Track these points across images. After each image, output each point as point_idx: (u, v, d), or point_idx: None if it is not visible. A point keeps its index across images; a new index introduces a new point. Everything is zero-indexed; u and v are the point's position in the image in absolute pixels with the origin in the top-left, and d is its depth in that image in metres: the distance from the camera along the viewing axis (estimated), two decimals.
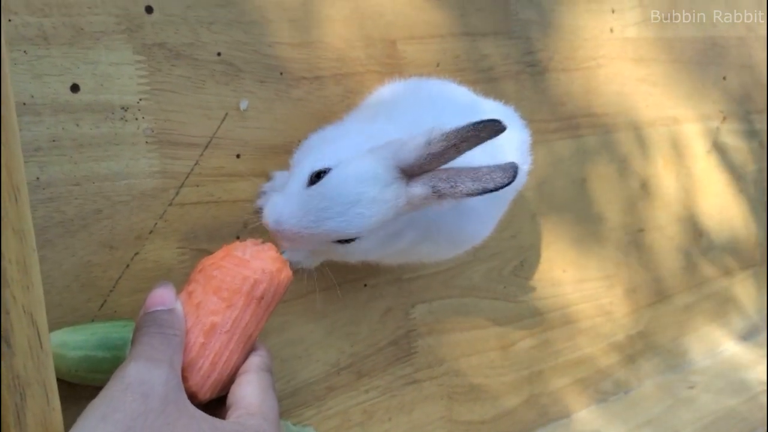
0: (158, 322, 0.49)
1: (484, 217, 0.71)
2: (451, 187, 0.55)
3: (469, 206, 0.64)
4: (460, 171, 0.55)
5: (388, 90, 0.73)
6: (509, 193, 0.73)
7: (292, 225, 0.55)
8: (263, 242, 0.56)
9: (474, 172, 0.55)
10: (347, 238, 0.57)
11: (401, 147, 0.56)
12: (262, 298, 0.53)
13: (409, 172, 0.56)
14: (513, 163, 0.55)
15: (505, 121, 0.65)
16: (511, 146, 0.70)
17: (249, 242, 0.56)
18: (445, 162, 0.56)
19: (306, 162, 0.58)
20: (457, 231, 0.69)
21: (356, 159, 0.56)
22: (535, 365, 0.94)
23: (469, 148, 0.54)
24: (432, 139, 0.54)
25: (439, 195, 0.56)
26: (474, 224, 0.70)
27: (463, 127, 0.53)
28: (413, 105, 0.67)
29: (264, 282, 0.53)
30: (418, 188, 0.56)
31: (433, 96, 0.71)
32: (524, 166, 0.73)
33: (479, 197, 0.56)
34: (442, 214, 0.60)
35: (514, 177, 0.55)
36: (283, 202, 0.56)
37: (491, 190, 0.55)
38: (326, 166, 0.56)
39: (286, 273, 0.55)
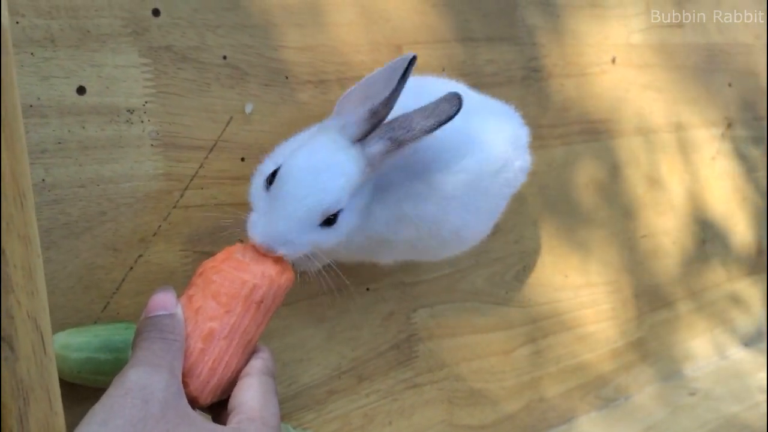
0: (159, 327, 0.49)
1: (475, 210, 0.70)
2: (408, 131, 0.56)
3: (458, 200, 0.65)
4: (408, 114, 0.57)
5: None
6: (504, 188, 0.72)
7: (272, 230, 0.54)
8: None
9: (423, 110, 0.57)
10: (329, 213, 0.56)
11: (345, 124, 0.57)
12: (261, 302, 0.53)
13: (359, 138, 0.57)
14: (454, 92, 0.57)
15: (503, 117, 0.67)
16: (503, 139, 0.69)
17: (250, 244, 0.56)
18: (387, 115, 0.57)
19: (259, 170, 0.59)
20: (453, 227, 0.68)
21: (301, 146, 0.57)
22: (535, 370, 0.94)
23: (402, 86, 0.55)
24: (375, 109, 0.56)
25: (398, 143, 0.57)
26: (463, 217, 0.69)
27: (398, 84, 0.55)
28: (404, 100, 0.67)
29: (263, 286, 0.53)
30: (376, 145, 0.57)
31: (429, 92, 0.71)
32: (517, 163, 0.72)
33: (466, 191, 0.60)
34: (433, 209, 0.62)
35: (459, 104, 0.57)
36: (256, 215, 0.56)
37: (444, 122, 0.56)
38: (278, 163, 0.56)
39: (287, 276, 0.55)
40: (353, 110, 0.57)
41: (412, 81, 0.75)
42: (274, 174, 0.56)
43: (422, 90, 0.72)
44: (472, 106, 0.71)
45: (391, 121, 0.57)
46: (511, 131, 0.72)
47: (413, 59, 0.55)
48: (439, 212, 0.65)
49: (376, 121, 0.56)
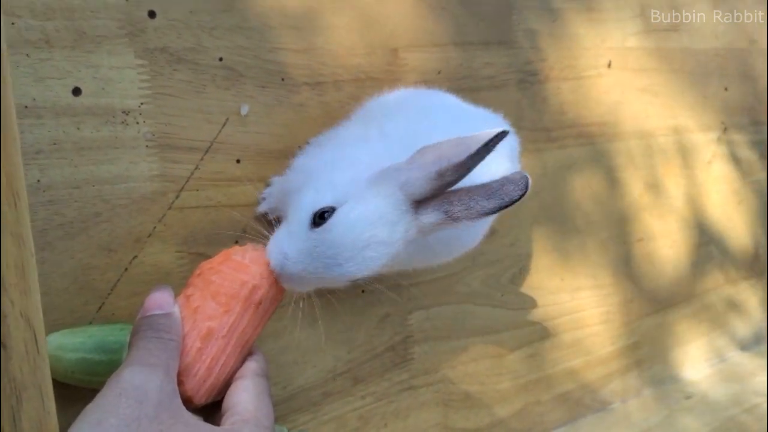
0: (155, 327, 0.49)
1: (480, 223, 0.71)
2: (466, 209, 0.54)
3: None
4: (470, 190, 0.54)
5: (378, 102, 0.72)
6: None
7: (300, 270, 0.53)
8: (263, 247, 0.56)
9: (485, 189, 0.54)
10: (355, 279, 0.55)
11: (408, 180, 0.54)
12: (260, 303, 0.53)
13: (418, 201, 0.55)
14: (522, 173, 0.55)
15: (491, 125, 0.66)
16: (503, 155, 0.70)
17: (248, 246, 0.56)
18: (456, 185, 0.54)
19: (305, 198, 0.56)
20: (451, 237, 0.68)
21: (361, 199, 0.54)
22: (531, 373, 0.94)
23: (480, 161, 0.53)
24: (443, 171, 0.53)
25: (453, 219, 0.54)
26: (469, 230, 0.70)
27: (475, 153, 0.52)
28: (405, 119, 0.66)
29: (263, 287, 0.53)
30: (430, 216, 0.55)
31: (424, 107, 0.71)
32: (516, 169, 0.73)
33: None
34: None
35: (526, 188, 0.54)
36: (288, 244, 0.54)
37: (507, 206, 0.54)
38: (329, 204, 0.54)
39: None
40: (425, 179, 0.53)
41: (403, 92, 0.75)
42: (323, 214, 0.53)
43: (411, 103, 0.73)
44: (468, 118, 0.71)
45: (450, 194, 0.54)
46: (509, 145, 0.72)
47: (503, 134, 0.52)
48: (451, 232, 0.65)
49: (441, 184, 0.53)
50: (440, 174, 0.53)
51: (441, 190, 0.54)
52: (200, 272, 0.54)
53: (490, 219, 0.74)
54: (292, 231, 0.54)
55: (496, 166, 0.67)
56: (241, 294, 0.53)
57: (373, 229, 0.53)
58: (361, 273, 0.54)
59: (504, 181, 0.54)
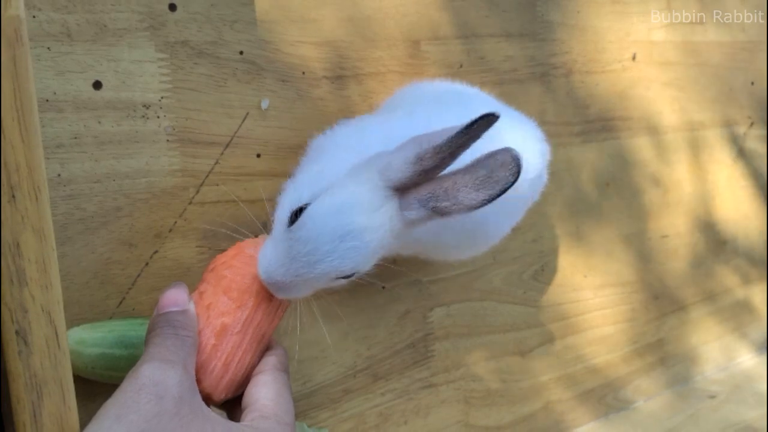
0: (172, 324, 0.49)
1: (510, 214, 0.70)
2: (453, 203, 0.49)
3: (500, 205, 0.55)
4: (454, 179, 0.49)
5: (405, 91, 0.71)
6: (533, 193, 0.72)
7: (282, 275, 0.50)
8: None
9: (472, 177, 0.48)
10: (344, 275, 0.51)
11: (387, 166, 0.50)
12: (273, 296, 0.53)
13: (401, 189, 0.51)
14: (508, 149, 0.48)
15: (525, 131, 0.62)
16: (538, 150, 0.69)
17: (261, 238, 0.55)
18: (440, 172, 0.49)
19: (285, 198, 0.53)
20: (477, 230, 0.67)
21: (335, 188, 0.50)
22: (553, 371, 0.93)
23: (465, 149, 0.48)
24: (423, 154, 0.48)
25: (440, 214, 0.50)
26: (500, 221, 0.69)
27: (455, 135, 0.47)
28: (436, 104, 0.65)
29: None
30: (416, 210, 0.50)
31: (456, 93, 0.70)
32: (543, 179, 0.72)
33: (508, 197, 0.49)
34: (479, 216, 0.53)
35: (518, 169, 0.48)
36: (271, 250, 0.51)
37: (499, 194, 0.48)
38: (304, 201, 0.50)
39: None
40: (404, 164, 0.49)
41: (429, 84, 0.74)
42: (298, 212, 0.50)
43: (438, 92, 0.71)
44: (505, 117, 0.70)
45: (435, 185, 0.49)
46: (540, 144, 0.71)
47: (490, 116, 0.46)
48: (482, 218, 0.58)
49: (420, 169, 0.48)
50: (420, 157, 0.48)
51: (422, 176, 0.49)
52: (213, 267, 0.54)
53: (520, 210, 0.73)
54: (274, 236, 0.52)
55: (535, 161, 0.66)
56: (254, 288, 0.52)
57: (347, 216, 0.48)
58: (346, 267, 0.50)
59: (491, 166, 0.48)
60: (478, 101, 0.70)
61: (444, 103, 0.67)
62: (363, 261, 0.51)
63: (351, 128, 0.64)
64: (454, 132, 0.47)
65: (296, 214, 0.50)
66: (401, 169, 0.49)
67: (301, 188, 0.52)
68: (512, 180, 0.48)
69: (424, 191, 0.50)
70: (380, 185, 0.50)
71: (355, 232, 0.49)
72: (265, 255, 0.52)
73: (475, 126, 0.46)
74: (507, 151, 0.48)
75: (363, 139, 0.57)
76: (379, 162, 0.51)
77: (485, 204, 0.49)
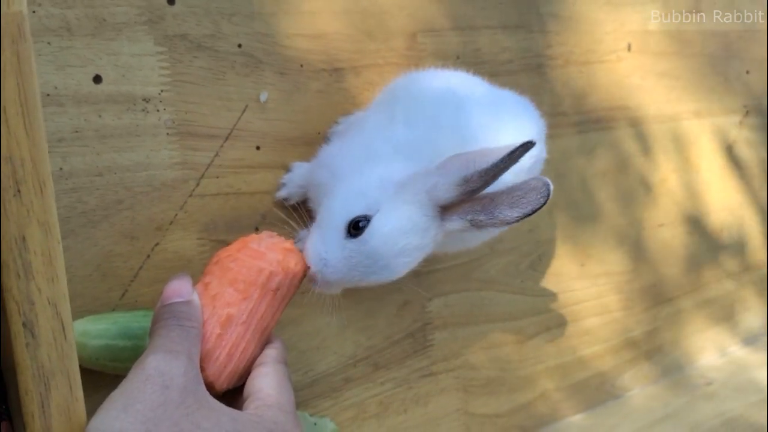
0: (176, 314, 0.49)
1: None
2: (490, 218, 0.55)
3: None
4: (494, 198, 0.55)
5: (402, 85, 0.71)
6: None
7: (338, 278, 0.56)
8: (279, 234, 0.57)
9: (509, 197, 0.55)
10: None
11: (435, 185, 0.55)
12: (277, 289, 0.54)
13: (444, 207, 0.56)
14: (543, 179, 0.55)
15: (526, 111, 0.64)
16: (536, 136, 0.69)
17: (264, 234, 0.56)
18: (482, 191, 0.55)
19: (336, 205, 0.58)
20: None
21: (393, 208, 0.56)
22: (550, 360, 0.94)
23: (506, 171, 0.54)
24: (469, 177, 0.54)
25: (478, 226, 0.56)
26: None
27: (499, 161, 0.53)
28: (431, 105, 0.65)
29: (279, 274, 0.54)
30: (456, 222, 0.56)
31: (449, 91, 0.70)
32: (543, 155, 0.72)
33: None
34: None
35: (548, 195, 0.55)
36: (326, 251, 0.56)
37: (530, 214, 0.55)
38: (362, 213, 0.56)
39: (302, 265, 0.56)
40: (451, 185, 0.55)
41: (426, 75, 0.74)
42: (357, 224, 0.56)
43: (436, 87, 0.72)
44: (497, 100, 0.71)
45: (475, 201, 0.56)
46: (537, 128, 0.72)
47: (529, 144, 0.53)
48: None
49: (466, 190, 0.54)
50: (466, 180, 0.54)
51: (466, 196, 0.55)
52: (218, 260, 0.55)
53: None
54: (327, 238, 0.56)
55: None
56: (259, 281, 0.53)
57: (406, 237, 0.55)
58: (396, 276, 0.57)
59: (526, 189, 0.55)
60: (467, 93, 0.70)
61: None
62: (408, 271, 0.58)
63: (378, 131, 0.65)
64: (497, 158, 0.53)
65: (355, 225, 0.55)
66: (448, 190, 0.55)
67: (354, 199, 0.57)
68: (543, 202, 0.55)
69: (465, 206, 0.56)
70: (429, 204, 0.56)
71: (410, 251, 0.56)
72: (319, 253, 0.56)
73: (517, 152, 0.53)
74: (540, 179, 0.55)
75: (393, 149, 0.62)
76: (425, 182, 0.56)
77: (517, 221, 0.55)
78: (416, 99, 0.66)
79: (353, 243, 0.55)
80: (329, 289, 0.58)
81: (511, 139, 0.66)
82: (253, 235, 0.56)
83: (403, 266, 0.56)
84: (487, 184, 0.54)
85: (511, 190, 0.55)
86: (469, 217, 0.56)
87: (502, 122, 0.66)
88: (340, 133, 0.72)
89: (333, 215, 0.57)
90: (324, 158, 0.66)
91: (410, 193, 0.56)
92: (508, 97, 0.73)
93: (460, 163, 0.55)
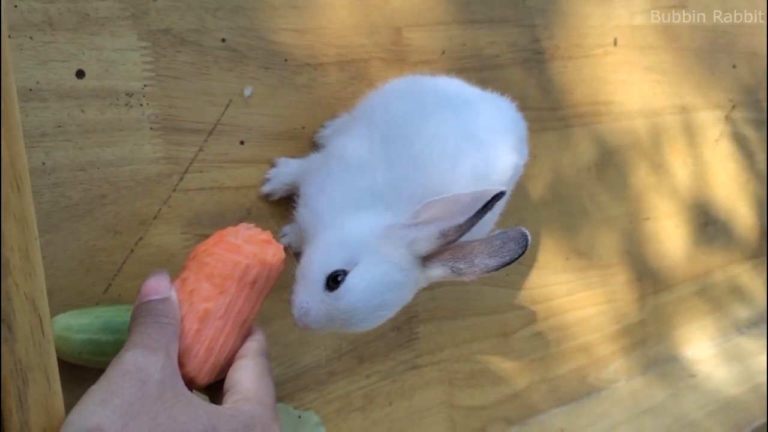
0: (153, 312, 0.50)
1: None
2: (470, 266, 0.57)
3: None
4: (474, 247, 0.57)
5: (380, 105, 0.68)
6: (513, 184, 0.73)
7: (318, 327, 0.58)
8: (256, 226, 0.57)
9: (488, 246, 0.57)
10: None
11: (414, 240, 0.57)
12: (254, 282, 0.54)
13: (425, 257, 0.58)
14: (521, 229, 0.57)
15: (503, 114, 0.65)
16: (510, 147, 0.69)
17: (241, 227, 0.56)
18: (459, 240, 0.57)
19: (317, 256, 0.59)
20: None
21: (370, 264, 0.57)
22: (536, 352, 0.95)
23: (479, 220, 0.56)
24: (446, 231, 0.56)
25: (458, 274, 0.58)
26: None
27: (474, 215, 0.55)
28: (410, 139, 0.64)
29: (256, 267, 0.54)
30: (437, 270, 0.58)
31: (425, 116, 0.67)
32: (521, 161, 0.72)
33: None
34: None
35: (527, 244, 0.57)
36: (307, 301, 0.57)
37: (509, 263, 0.57)
38: (340, 267, 0.57)
39: (279, 256, 0.56)
40: (427, 227, 0.57)
41: (406, 80, 0.73)
42: (336, 278, 0.57)
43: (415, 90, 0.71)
44: (473, 104, 0.69)
45: (455, 249, 0.57)
46: (516, 134, 0.71)
47: (500, 194, 0.55)
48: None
49: (444, 243, 0.56)
50: (443, 234, 0.56)
51: (445, 247, 0.57)
52: (194, 255, 0.55)
53: (499, 210, 0.73)
54: (309, 289, 0.58)
55: (503, 160, 0.67)
56: (235, 274, 0.53)
57: (383, 295, 0.57)
58: (375, 326, 0.59)
59: (505, 239, 0.57)
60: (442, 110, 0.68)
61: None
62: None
63: (360, 172, 0.64)
64: (473, 212, 0.55)
65: (334, 279, 0.57)
66: (427, 244, 0.57)
67: (334, 252, 0.58)
68: (521, 252, 0.57)
69: (446, 255, 0.58)
70: (408, 257, 0.57)
71: (387, 306, 0.58)
72: (301, 302, 0.58)
73: (490, 204, 0.55)
74: (518, 230, 0.57)
75: (375, 197, 0.62)
76: (404, 236, 0.58)
77: (496, 270, 0.57)
78: (394, 126, 0.65)
79: (331, 297, 0.57)
80: (314, 333, 0.60)
81: (501, 153, 0.67)
82: (230, 228, 0.56)
83: (382, 318, 0.58)
84: (463, 234, 0.56)
85: (490, 240, 0.57)
86: (450, 265, 0.58)
87: (484, 144, 0.66)
88: (327, 138, 0.73)
89: (313, 267, 0.58)
90: (308, 197, 0.65)
91: (390, 248, 0.58)
92: (489, 100, 0.72)
93: (436, 214, 0.57)
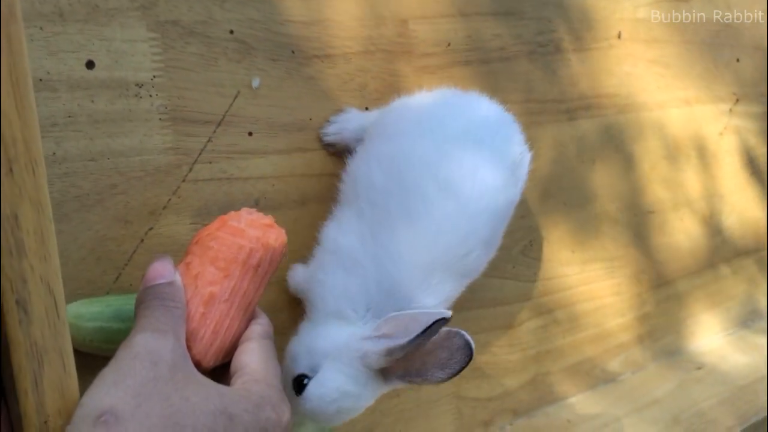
0: (159, 296, 0.50)
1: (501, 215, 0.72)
2: (424, 378, 0.60)
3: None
4: (425, 362, 0.60)
5: (364, 182, 0.68)
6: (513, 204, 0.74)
7: (301, 423, 0.64)
8: (257, 211, 0.57)
9: (436, 360, 0.59)
10: None
11: (366, 354, 0.59)
12: (258, 266, 0.54)
13: (380, 370, 0.61)
14: (464, 337, 0.59)
15: (501, 130, 0.69)
16: (507, 183, 0.69)
17: (243, 211, 0.57)
18: (407, 356, 0.59)
19: (288, 356, 0.63)
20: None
21: (328, 372, 0.60)
22: (542, 344, 0.95)
23: (424, 342, 0.57)
24: (392, 349, 0.58)
25: (413, 383, 0.61)
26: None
27: (415, 338, 0.56)
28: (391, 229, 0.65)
29: (259, 250, 0.54)
30: (395, 383, 0.61)
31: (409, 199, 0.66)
32: (518, 186, 0.73)
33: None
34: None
35: (471, 354, 0.59)
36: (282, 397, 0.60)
37: (458, 372, 0.59)
38: (302, 372, 0.61)
39: (281, 240, 0.56)
40: (379, 342, 0.59)
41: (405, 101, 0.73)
42: (299, 381, 0.61)
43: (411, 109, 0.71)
44: (455, 152, 0.67)
45: (407, 363, 0.60)
46: (516, 159, 0.71)
47: (441, 320, 0.56)
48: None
49: (391, 359, 0.58)
50: (390, 351, 0.58)
51: (394, 362, 0.59)
52: (198, 239, 0.55)
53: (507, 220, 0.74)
54: (286, 389, 0.61)
55: (502, 200, 0.69)
56: (239, 258, 0.54)
57: (337, 403, 0.60)
58: (340, 424, 0.62)
59: (452, 350, 0.59)
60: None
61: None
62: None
63: (351, 276, 0.65)
64: (414, 335, 0.56)
65: (297, 382, 0.61)
66: (377, 360, 0.59)
67: (300, 358, 0.62)
68: (468, 360, 0.59)
69: (399, 369, 0.61)
70: (362, 370, 0.60)
71: (346, 411, 0.61)
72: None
73: (431, 329, 0.56)
74: (463, 338, 0.59)
75: (354, 311, 0.64)
76: (359, 349, 0.60)
77: (449, 379, 0.60)
78: (378, 207, 0.66)
79: (296, 400, 0.60)
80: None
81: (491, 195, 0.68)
82: (233, 213, 0.57)
83: (344, 419, 0.62)
84: (409, 353, 0.58)
85: (437, 353, 0.59)
86: (406, 379, 0.60)
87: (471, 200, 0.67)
88: (335, 134, 0.74)
89: (285, 366, 0.62)
90: (313, 272, 0.68)
91: (345, 359, 0.60)
92: (488, 118, 0.71)
93: (394, 327, 0.59)
